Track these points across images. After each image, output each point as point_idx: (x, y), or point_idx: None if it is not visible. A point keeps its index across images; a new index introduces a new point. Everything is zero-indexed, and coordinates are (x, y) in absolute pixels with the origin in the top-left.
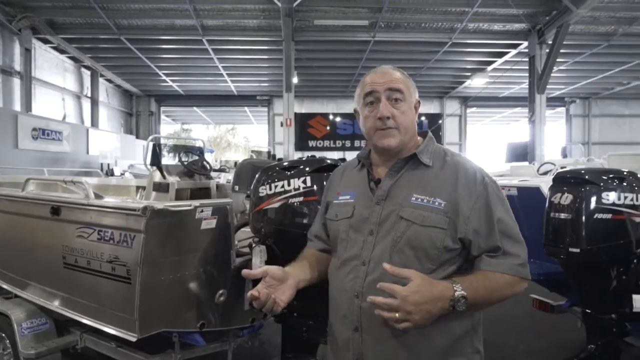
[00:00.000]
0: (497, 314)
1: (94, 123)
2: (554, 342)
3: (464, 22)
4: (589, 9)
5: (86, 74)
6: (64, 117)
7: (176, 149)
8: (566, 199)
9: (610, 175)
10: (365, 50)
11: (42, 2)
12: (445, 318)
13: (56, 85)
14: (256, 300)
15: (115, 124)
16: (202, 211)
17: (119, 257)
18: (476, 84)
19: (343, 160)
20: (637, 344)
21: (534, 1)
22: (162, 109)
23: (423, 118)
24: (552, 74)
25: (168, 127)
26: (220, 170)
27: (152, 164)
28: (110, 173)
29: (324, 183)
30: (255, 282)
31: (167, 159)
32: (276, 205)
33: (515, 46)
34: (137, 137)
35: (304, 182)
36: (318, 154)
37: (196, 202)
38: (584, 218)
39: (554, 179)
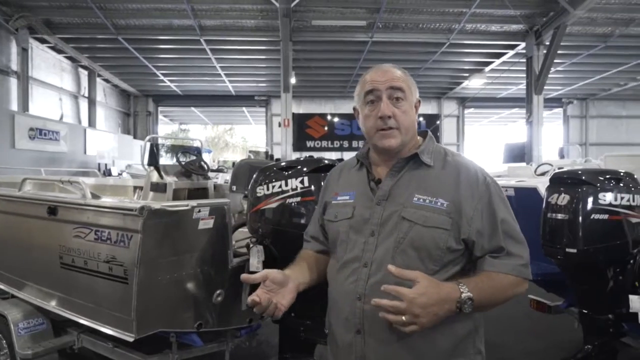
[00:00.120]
0: (495, 314)
1: (92, 123)
2: (551, 342)
3: (461, 22)
4: (586, 10)
5: (83, 73)
6: (61, 117)
7: (174, 149)
8: (563, 199)
9: (607, 176)
10: (363, 51)
11: (39, 2)
12: (448, 319)
13: (53, 85)
14: (257, 305)
15: (113, 124)
16: (199, 211)
17: (116, 257)
18: (474, 84)
19: (341, 160)
20: (633, 344)
21: (531, 2)
22: (160, 109)
23: (421, 119)
24: (549, 75)
25: (166, 127)
26: (218, 170)
27: (149, 164)
28: (107, 173)
29: (322, 183)
30: (254, 285)
31: (165, 159)
32: (274, 205)
33: (512, 47)
34: (135, 137)
35: (302, 182)
36: (316, 155)
37: (193, 202)
38: (580, 218)
39: (551, 180)
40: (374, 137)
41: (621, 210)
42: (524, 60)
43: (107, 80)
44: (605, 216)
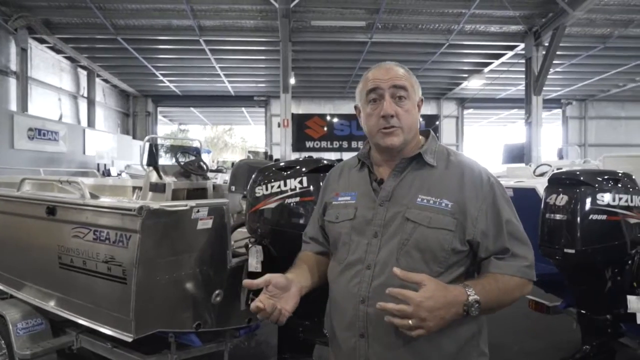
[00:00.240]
0: (493, 315)
1: (91, 123)
2: (550, 342)
3: (460, 23)
4: (585, 11)
5: (83, 74)
6: (61, 117)
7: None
8: (561, 200)
9: (605, 177)
10: (362, 52)
11: (38, 2)
12: (453, 322)
13: (52, 85)
14: (261, 312)
15: (112, 124)
16: (198, 211)
17: (114, 257)
18: (473, 85)
19: (340, 161)
20: (631, 344)
21: (530, 3)
22: (159, 109)
23: (420, 119)
24: (548, 76)
25: (165, 128)
26: (217, 170)
27: (148, 165)
28: (106, 173)
29: (321, 184)
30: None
31: (164, 160)
32: (272, 205)
33: (511, 48)
34: (134, 137)
35: (301, 182)
36: (315, 155)
37: (192, 202)
38: (579, 219)
39: (549, 180)
40: (376, 136)
41: (619, 210)
42: (523, 61)
43: (106, 81)
44: (604, 217)
